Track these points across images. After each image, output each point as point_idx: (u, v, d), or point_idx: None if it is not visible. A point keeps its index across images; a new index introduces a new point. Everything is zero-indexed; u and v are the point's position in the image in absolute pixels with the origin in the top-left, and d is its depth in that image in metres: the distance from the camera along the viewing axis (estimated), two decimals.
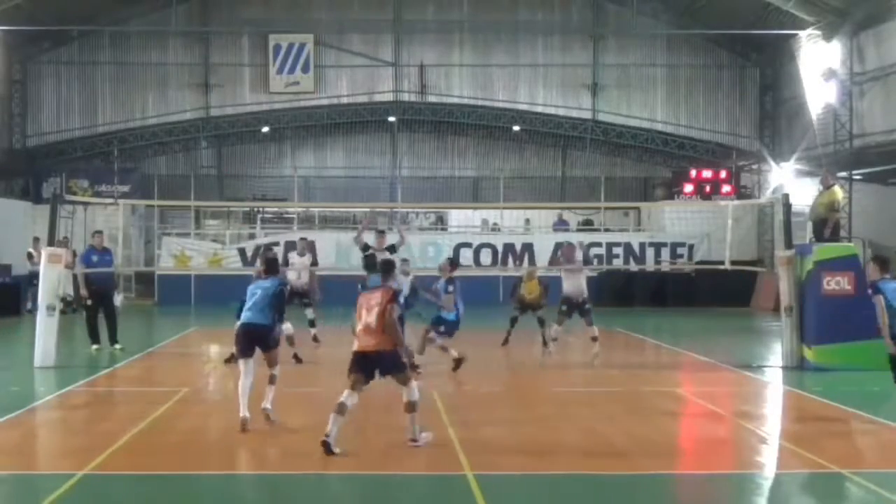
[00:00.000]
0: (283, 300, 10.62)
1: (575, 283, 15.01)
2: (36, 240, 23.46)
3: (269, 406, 10.10)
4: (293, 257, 16.73)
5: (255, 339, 10.24)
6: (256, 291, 10.35)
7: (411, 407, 9.05)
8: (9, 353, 17.34)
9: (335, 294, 16.07)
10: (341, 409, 8.81)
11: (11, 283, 24.18)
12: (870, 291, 11.25)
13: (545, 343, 15.46)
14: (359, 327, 9.10)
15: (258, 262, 14.11)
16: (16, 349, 17.33)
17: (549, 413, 11.10)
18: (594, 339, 14.91)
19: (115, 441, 9.16)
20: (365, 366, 9.06)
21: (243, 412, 9.81)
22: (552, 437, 9.77)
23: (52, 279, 14.55)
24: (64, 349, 14.92)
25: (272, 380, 10.27)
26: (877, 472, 8.36)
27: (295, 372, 14.11)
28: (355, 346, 9.11)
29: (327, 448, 8.61)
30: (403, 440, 9.05)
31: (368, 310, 9.07)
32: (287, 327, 14.89)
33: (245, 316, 10.31)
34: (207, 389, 13.04)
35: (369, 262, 14.04)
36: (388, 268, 9.93)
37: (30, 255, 23.48)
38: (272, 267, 10.81)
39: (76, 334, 16.81)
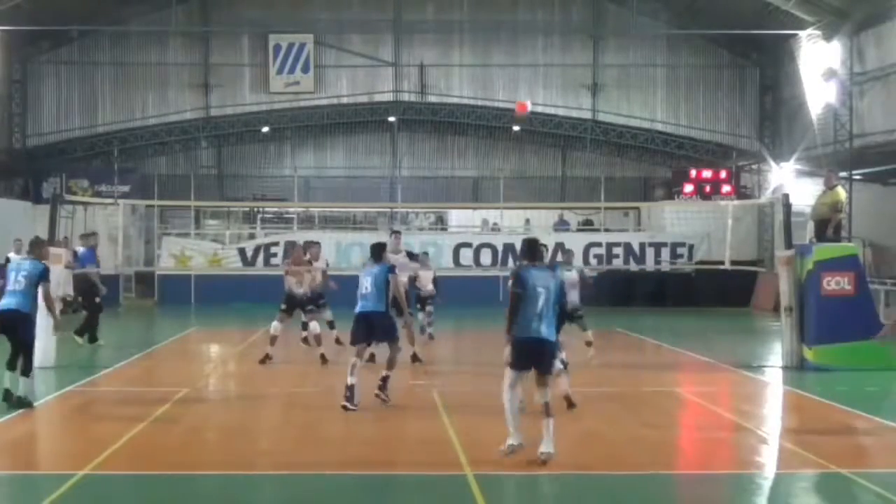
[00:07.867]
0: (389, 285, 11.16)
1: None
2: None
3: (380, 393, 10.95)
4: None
5: (375, 327, 10.97)
6: (366, 279, 11.02)
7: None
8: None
9: (336, 294, 16.01)
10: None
11: None
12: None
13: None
14: None
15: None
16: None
17: None
18: (588, 343, 14.68)
19: (115, 441, 9.14)
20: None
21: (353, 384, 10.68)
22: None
23: (53, 279, 14.50)
24: (64, 349, 14.91)
25: (391, 364, 11.06)
26: (877, 472, 8.36)
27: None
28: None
29: None
30: (401, 437, 9.02)
31: None
32: (314, 326, 15.03)
33: (361, 305, 10.97)
34: (207, 389, 13.05)
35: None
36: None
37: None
38: (377, 253, 11.42)
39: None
